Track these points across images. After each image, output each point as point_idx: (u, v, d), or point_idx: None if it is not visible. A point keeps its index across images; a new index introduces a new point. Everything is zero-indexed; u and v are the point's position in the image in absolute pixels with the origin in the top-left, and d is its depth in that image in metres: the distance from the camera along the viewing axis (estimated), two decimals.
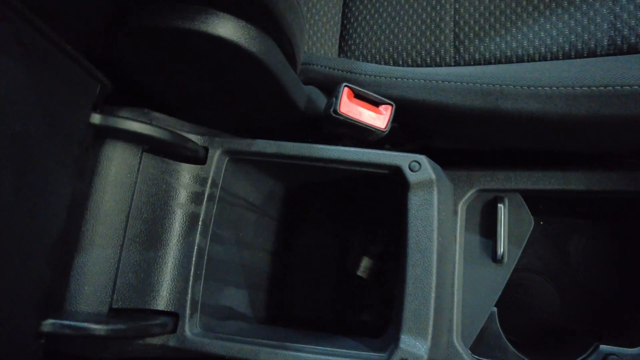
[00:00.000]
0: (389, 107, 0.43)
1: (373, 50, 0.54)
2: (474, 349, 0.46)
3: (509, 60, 0.48)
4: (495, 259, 0.46)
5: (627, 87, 0.37)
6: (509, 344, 0.46)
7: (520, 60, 0.48)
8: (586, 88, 0.38)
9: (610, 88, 0.38)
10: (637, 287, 0.47)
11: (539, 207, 0.53)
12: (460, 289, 0.47)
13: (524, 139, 0.48)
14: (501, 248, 0.45)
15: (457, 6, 0.52)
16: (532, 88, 0.40)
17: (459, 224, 0.46)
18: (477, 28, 0.51)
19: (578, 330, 0.51)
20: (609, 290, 0.52)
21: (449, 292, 0.45)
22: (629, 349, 0.40)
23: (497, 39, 0.49)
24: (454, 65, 0.51)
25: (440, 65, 0.51)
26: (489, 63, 0.50)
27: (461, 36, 0.51)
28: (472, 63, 0.50)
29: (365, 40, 0.56)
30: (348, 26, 0.58)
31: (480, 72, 0.44)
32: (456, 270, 0.47)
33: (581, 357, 0.42)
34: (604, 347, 0.41)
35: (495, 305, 0.46)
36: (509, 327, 0.54)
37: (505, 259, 0.46)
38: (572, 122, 0.40)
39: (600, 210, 0.53)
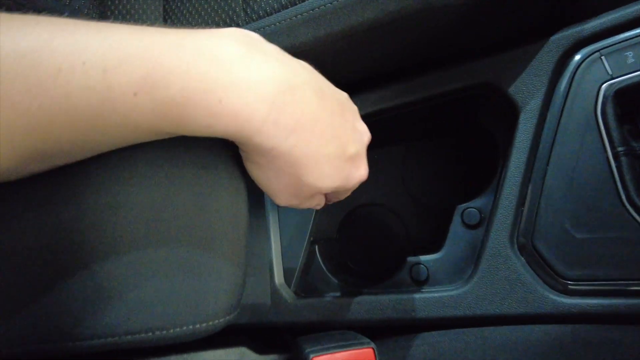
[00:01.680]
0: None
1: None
2: (300, 288, 0.47)
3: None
4: None
5: None
6: (331, 277, 0.47)
7: None
8: None
9: None
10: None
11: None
12: (277, 232, 0.47)
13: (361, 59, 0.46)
14: None
15: None
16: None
17: None
18: None
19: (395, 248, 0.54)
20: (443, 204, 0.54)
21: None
22: (432, 255, 0.43)
23: None
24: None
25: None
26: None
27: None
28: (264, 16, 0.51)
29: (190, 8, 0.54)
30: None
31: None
32: (270, 215, 0.47)
33: (394, 273, 0.44)
34: (411, 258, 0.43)
35: (333, 240, 0.46)
36: (355, 261, 0.56)
37: None
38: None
39: (432, 127, 0.55)
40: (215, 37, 0.26)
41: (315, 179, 0.31)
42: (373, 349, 0.34)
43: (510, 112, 0.39)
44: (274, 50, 0.29)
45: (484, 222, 0.40)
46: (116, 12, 0.58)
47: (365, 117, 0.41)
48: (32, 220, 0.26)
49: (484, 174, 0.43)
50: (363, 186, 0.43)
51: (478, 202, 0.41)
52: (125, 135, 0.25)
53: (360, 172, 0.34)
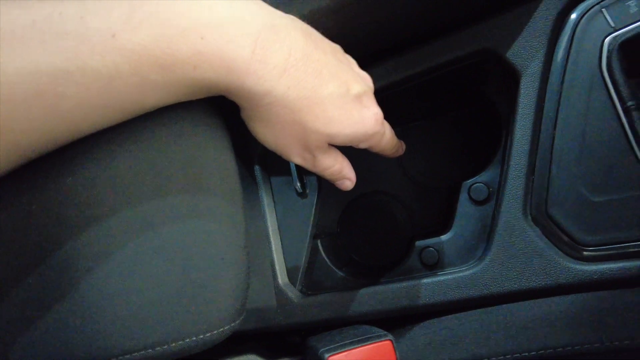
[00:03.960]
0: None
1: None
2: (306, 286, 0.45)
3: None
4: (298, 193, 0.44)
5: None
6: (338, 271, 0.45)
7: None
8: None
9: None
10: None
11: None
12: (277, 230, 0.45)
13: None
14: (297, 182, 0.43)
15: None
16: None
17: None
18: None
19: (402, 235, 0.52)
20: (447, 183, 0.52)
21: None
22: (441, 237, 0.41)
23: None
24: None
25: None
26: None
27: None
28: None
29: None
30: None
31: None
32: (267, 213, 0.45)
33: (403, 260, 0.42)
34: (419, 243, 0.41)
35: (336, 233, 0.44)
36: (361, 253, 0.54)
37: (307, 192, 0.44)
38: None
39: (430, 105, 0.53)
40: None
41: (321, 124, 0.30)
42: (391, 340, 0.32)
43: (511, 78, 0.37)
44: None
45: (492, 196, 0.38)
46: None
47: (377, 91, 0.39)
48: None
49: (489, 147, 0.41)
50: (362, 175, 0.41)
51: (485, 177, 0.39)
52: (111, 87, 0.23)
53: (372, 110, 0.32)
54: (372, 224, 0.53)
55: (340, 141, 0.32)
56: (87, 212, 0.25)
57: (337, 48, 0.33)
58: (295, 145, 0.31)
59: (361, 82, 0.32)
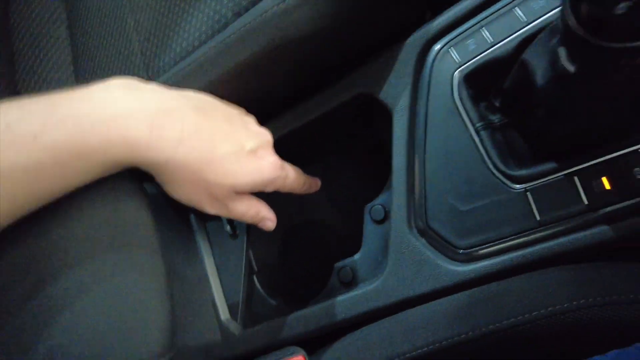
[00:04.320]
0: None
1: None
2: (247, 319, 0.49)
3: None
4: (230, 235, 0.49)
5: None
6: (274, 301, 0.49)
7: None
8: None
9: None
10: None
11: None
12: (214, 269, 0.50)
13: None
14: (226, 226, 0.48)
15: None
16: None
17: None
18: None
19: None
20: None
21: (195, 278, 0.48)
22: (353, 256, 0.46)
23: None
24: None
25: None
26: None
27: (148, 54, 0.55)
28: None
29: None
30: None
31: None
32: (204, 254, 0.49)
33: (324, 283, 0.47)
34: (337, 264, 0.46)
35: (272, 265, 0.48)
36: (295, 280, 0.58)
37: (238, 232, 0.49)
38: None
39: (337, 140, 0.59)
40: (100, 84, 0.32)
41: (221, 178, 0.35)
42: (304, 355, 0.37)
43: (387, 114, 0.43)
44: (150, 86, 0.34)
45: (388, 215, 0.44)
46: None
47: (278, 141, 0.44)
48: None
49: (385, 172, 0.47)
50: (294, 207, 0.46)
51: (381, 199, 0.45)
52: (38, 178, 0.28)
53: (268, 160, 0.38)
54: (306, 251, 0.58)
55: (243, 189, 0.37)
56: (30, 279, 0.30)
57: (233, 113, 0.39)
58: (205, 199, 0.37)
59: (255, 138, 0.38)
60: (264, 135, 0.40)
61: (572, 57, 0.25)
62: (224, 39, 0.43)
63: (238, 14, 0.46)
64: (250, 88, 0.45)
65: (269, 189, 0.40)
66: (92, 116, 0.29)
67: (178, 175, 0.34)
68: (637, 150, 0.33)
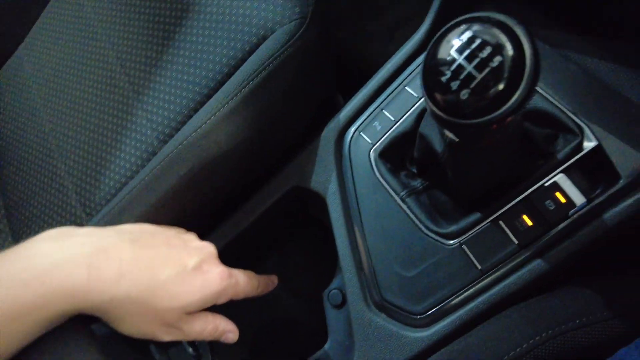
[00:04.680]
0: None
1: None
2: None
3: None
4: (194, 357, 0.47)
5: None
6: None
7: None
8: None
9: None
10: None
11: None
12: None
13: None
14: (188, 348, 0.47)
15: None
16: None
17: None
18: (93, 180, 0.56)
19: None
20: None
21: None
22: (324, 347, 0.46)
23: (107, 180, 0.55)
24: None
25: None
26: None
27: (83, 193, 0.56)
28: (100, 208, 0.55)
29: None
30: None
31: None
32: None
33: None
34: (310, 359, 0.45)
35: None
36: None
37: (201, 352, 0.48)
38: None
39: (287, 232, 0.60)
40: (32, 241, 0.32)
41: (169, 302, 0.35)
42: None
43: (322, 201, 0.46)
44: (84, 230, 0.34)
45: (345, 298, 0.44)
46: None
47: (228, 247, 0.45)
48: None
49: (335, 255, 0.49)
50: (258, 308, 0.45)
51: (336, 282, 0.46)
52: None
53: (214, 271, 0.38)
54: (276, 352, 0.56)
55: (195, 308, 0.37)
56: None
57: (170, 235, 0.40)
58: (158, 328, 0.36)
59: (197, 254, 0.39)
60: (206, 248, 0.40)
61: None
62: (153, 167, 0.45)
63: (164, 142, 0.48)
64: (188, 206, 0.47)
65: (222, 300, 0.40)
66: (25, 274, 0.30)
67: (124, 310, 0.34)
68: (542, 185, 0.37)
